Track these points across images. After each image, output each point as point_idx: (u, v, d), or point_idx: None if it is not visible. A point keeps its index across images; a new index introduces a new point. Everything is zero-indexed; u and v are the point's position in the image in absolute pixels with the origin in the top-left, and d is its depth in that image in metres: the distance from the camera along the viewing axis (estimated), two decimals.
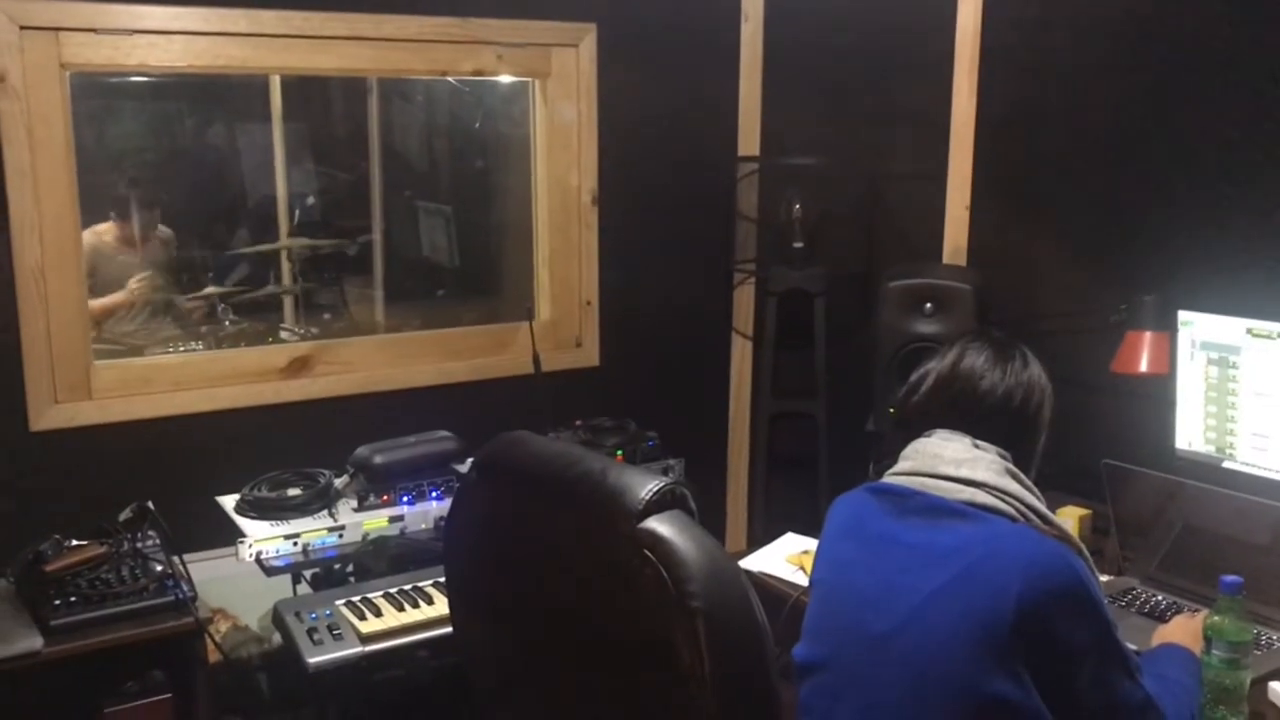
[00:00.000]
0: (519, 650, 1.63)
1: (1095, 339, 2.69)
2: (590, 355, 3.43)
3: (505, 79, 3.41)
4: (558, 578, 1.50)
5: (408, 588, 2.46)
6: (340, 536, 2.56)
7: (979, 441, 1.68)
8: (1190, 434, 2.47)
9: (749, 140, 3.55)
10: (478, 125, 4.32)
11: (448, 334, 3.34)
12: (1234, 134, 2.54)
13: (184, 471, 2.80)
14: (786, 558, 2.54)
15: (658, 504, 1.36)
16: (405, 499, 2.65)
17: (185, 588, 2.37)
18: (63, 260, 2.68)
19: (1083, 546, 1.65)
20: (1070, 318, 2.86)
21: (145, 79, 3.88)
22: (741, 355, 3.68)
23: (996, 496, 1.62)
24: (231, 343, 3.81)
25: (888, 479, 1.72)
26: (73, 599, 2.30)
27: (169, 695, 2.42)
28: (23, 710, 2.39)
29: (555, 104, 3.29)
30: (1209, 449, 2.44)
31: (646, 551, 1.33)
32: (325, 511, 2.59)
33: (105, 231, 3.97)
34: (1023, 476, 1.67)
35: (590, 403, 3.22)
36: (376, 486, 2.64)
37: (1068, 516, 2.51)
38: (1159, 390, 2.55)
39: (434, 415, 2.92)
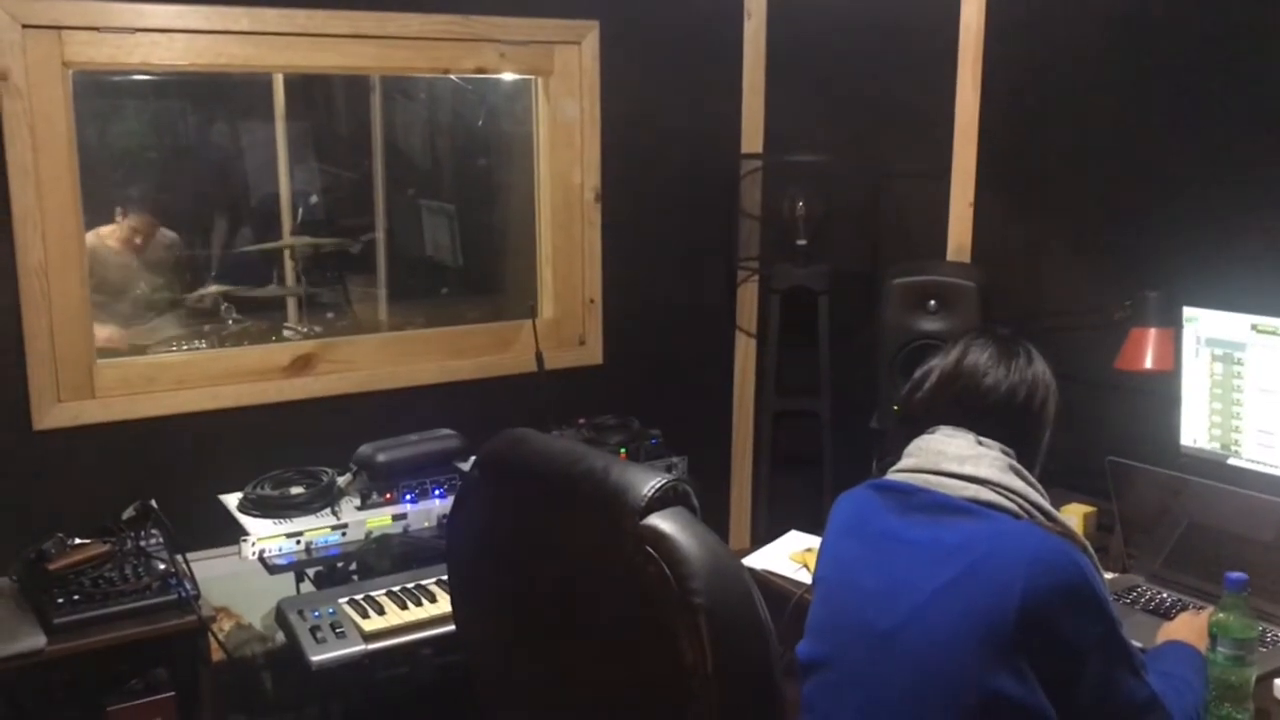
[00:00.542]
0: (522, 647, 1.62)
1: (1099, 336, 2.68)
2: (593, 353, 3.43)
3: (508, 77, 3.41)
4: (560, 575, 1.50)
5: (411, 586, 2.46)
6: (343, 535, 2.56)
7: (983, 438, 1.68)
8: (1195, 431, 2.47)
9: (752, 137, 3.55)
10: (480, 123, 4.32)
11: (451, 332, 3.33)
12: (1239, 129, 2.53)
13: (187, 470, 2.80)
14: (790, 555, 2.53)
15: (660, 501, 1.36)
16: (408, 497, 2.65)
17: (188, 586, 2.37)
18: (65, 259, 2.68)
19: (1087, 544, 1.64)
20: (1074, 314, 2.85)
21: (148, 78, 3.89)
22: (745, 353, 3.68)
23: (1000, 493, 1.61)
24: (234, 341, 3.81)
25: (891, 476, 1.71)
26: (76, 597, 2.30)
27: (172, 694, 2.42)
28: (26, 709, 2.39)
29: (558, 101, 3.29)
30: (1214, 446, 2.43)
31: (649, 549, 1.33)
32: (328, 510, 2.59)
33: (108, 235, 3.97)
34: (1026, 473, 1.67)
35: (593, 401, 3.22)
36: (379, 484, 2.64)
37: (1072, 514, 2.51)
38: (1163, 387, 2.54)
39: (437, 413, 2.92)
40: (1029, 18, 2.95)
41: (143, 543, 2.47)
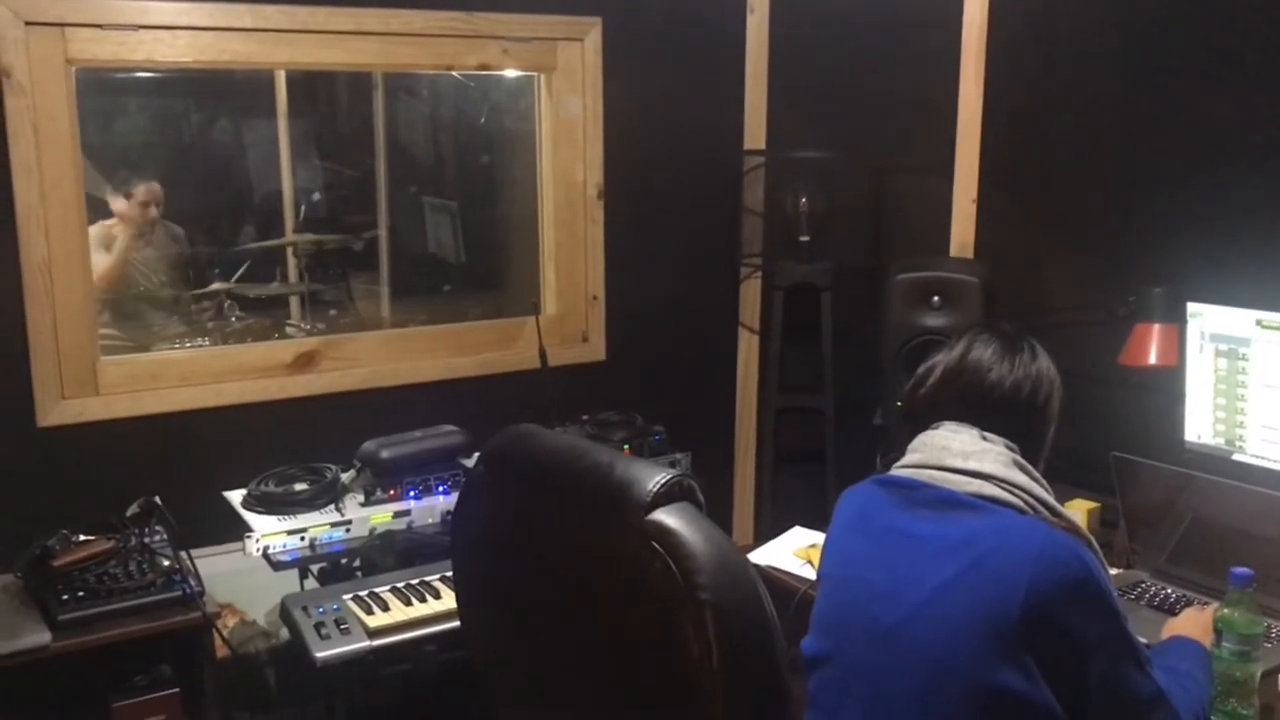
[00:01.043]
0: (527, 643, 1.62)
1: (1104, 331, 2.68)
2: (596, 350, 3.42)
3: (510, 73, 3.41)
4: (566, 570, 1.50)
5: (415, 582, 2.46)
6: (347, 531, 2.56)
7: (987, 434, 1.67)
8: (1199, 426, 2.46)
9: (755, 134, 3.55)
10: (483, 120, 4.32)
11: (454, 329, 3.34)
12: (1244, 124, 2.53)
13: (191, 467, 2.80)
14: (794, 551, 2.53)
15: (666, 496, 1.36)
16: (412, 493, 2.65)
17: (192, 583, 2.37)
18: (69, 256, 2.68)
19: (1092, 539, 1.64)
20: (1078, 310, 2.85)
21: (150, 75, 3.89)
22: (748, 349, 3.68)
23: (1004, 488, 1.61)
24: (238, 338, 3.82)
25: (895, 471, 1.71)
26: (80, 594, 2.30)
27: (176, 690, 2.42)
28: (31, 705, 2.39)
29: (560, 98, 3.29)
30: (1218, 441, 2.43)
31: (655, 543, 1.33)
32: (332, 506, 2.59)
33: (113, 225, 3.97)
34: (1031, 469, 1.67)
35: (597, 397, 3.22)
36: (383, 481, 2.64)
37: (1076, 509, 2.50)
38: (1168, 382, 2.54)
39: (440, 410, 2.92)
40: (1032, 13, 2.95)
41: (147, 539, 2.47)
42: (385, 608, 2.36)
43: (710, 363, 3.67)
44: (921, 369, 1.79)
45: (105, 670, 2.40)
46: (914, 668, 1.54)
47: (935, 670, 1.52)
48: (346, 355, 3.10)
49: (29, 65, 2.58)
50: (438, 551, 2.56)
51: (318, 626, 2.28)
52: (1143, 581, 2.30)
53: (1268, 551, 2.13)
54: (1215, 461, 2.40)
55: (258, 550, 2.46)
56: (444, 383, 3.17)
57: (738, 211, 3.55)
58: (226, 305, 4.02)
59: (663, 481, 1.36)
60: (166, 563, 2.42)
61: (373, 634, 2.29)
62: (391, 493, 2.64)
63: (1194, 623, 1.91)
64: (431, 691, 2.53)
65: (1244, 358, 2.36)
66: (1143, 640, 1.63)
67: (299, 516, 2.54)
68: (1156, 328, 2.53)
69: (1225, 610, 1.75)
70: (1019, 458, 1.66)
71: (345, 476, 2.70)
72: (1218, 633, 1.75)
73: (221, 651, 2.49)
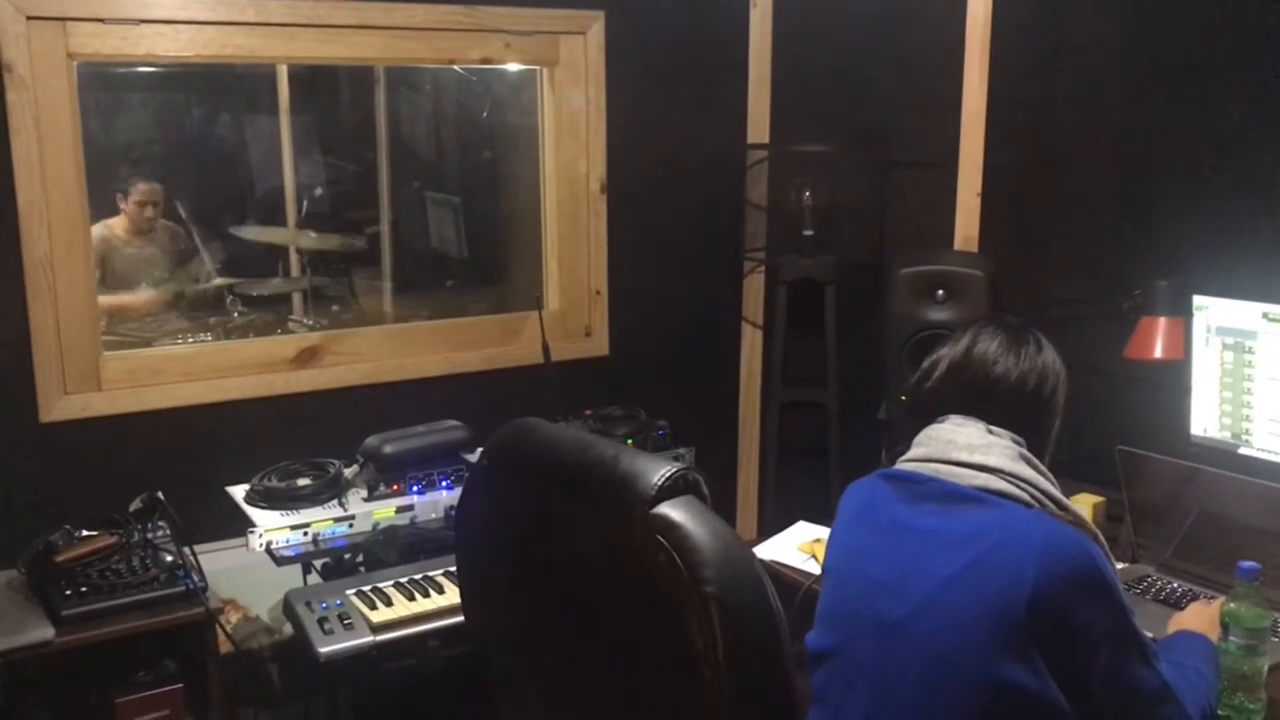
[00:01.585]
0: (531, 637, 1.62)
1: (1109, 325, 2.67)
2: (600, 345, 3.42)
3: (513, 67, 3.40)
4: (570, 564, 1.49)
5: (418, 577, 2.46)
6: (350, 526, 2.55)
7: (993, 427, 1.67)
8: (1205, 420, 2.46)
9: (758, 128, 3.53)
10: (485, 114, 4.31)
11: (456, 324, 3.33)
12: (1250, 118, 2.52)
13: (194, 462, 2.80)
14: (798, 546, 2.53)
15: (671, 489, 1.35)
16: (415, 488, 2.65)
17: (195, 578, 2.37)
18: (71, 251, 2.68)
19: (1098, 532, 1.63)
20: (1083, 304, 2.84)
21: (152, 69, 3.89)
22: (751, 344, 3.67)
23: (1011, 482, 1.61)
24: (240, 333, 3.82)
25: (901, 465, 1.71)
26: (83, 589, 2.30)
27: (180, 685, 2.42)
28: (34, 700, 2.39)
29: (563, 92, 3.28)
30: (1224, 435, 2.42)
31: (660, 537, 1.32)
32: (335, 501, 2.59)
33: (115, 224, 3.97)
34: (1037, 462, 1.66)
35: (600, 392, 3.21)
36: (386, 476, 2.64)
37: (1082, 503, 2.49)
38: (1174, 376, 2.53)
39: (443, 405, 2.92)
40: (1036, 5, 2.94)
41: (150, 535, 2.46)
42: (388, 603, 2.36)
43: (714, 357, 3.66)
44: (926, 363, 1.79)
45: (108, 666, 2.39)
46: (919, 662, 1.53)
47: (941, 664, 1.51)
48: (349, 350, 3.09)
49: (30, 60, 2.57)
50: (441, 546, 2.55)
51: (321, 622, 2.27)
52: (1149, 576, 2.30)
53: (1274, 545, 2.12)
54: (1221, 455, 2.40)
55: (261, 545, 2.46)
56: (447, 378, 3.17)
57: (741, 206, 3.54)
58: (228, 300, 4.02)
59: (668, 475, 1.36)
60: (169, 558, 2.41)
61: (376, 629, 2.28)
62: (395, 488, 2.64)
63: (1200, 617, 1.90)
64: (435, 686, 2.53)
65: (1250, 351, 2.35)
66: (1149, 635, 1.63)
67: (302, 511, 2.54)
68: (1162, 321, 2.52)
69: (1232, 604, 1.74)
70: (1025, 451, 1.65)
71: (348, 471, 2.69)
72: (1224, 627, 1.75)
73: (225, 647, 2.49)
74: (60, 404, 2.70)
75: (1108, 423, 2.61)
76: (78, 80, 2.67)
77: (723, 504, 3.68)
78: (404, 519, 2.61)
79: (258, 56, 2.98)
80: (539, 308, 3.11)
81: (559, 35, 3.23)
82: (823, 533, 2.53)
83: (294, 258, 4.32)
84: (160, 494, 2.49)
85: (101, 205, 3.69)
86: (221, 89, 4.34)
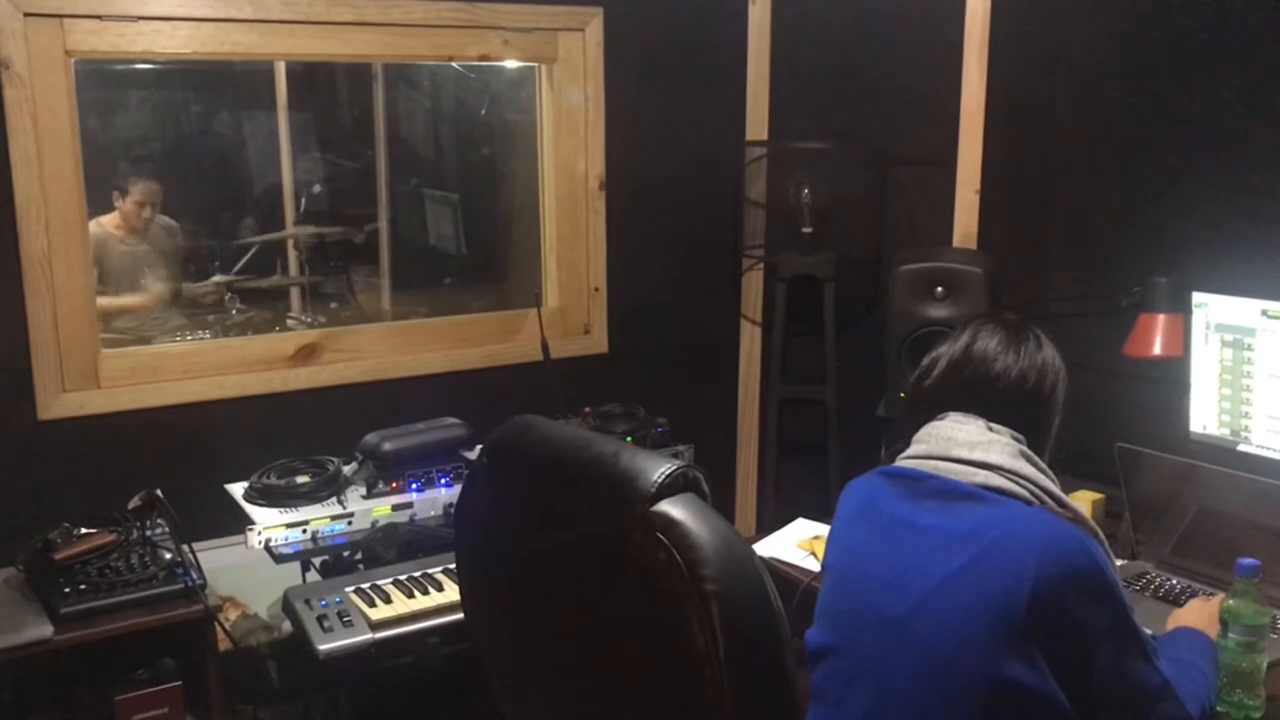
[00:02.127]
0: (531, 635, 1.62)
1: (1108, 322, 2.67)
2: (599, 342, 3.42)
3: (511, 64, 3.40)
4: (570, 562, 1.49)
5: (417, 574, 2.46)
6: (349, 524, 2.55)
7: (993, 424, 1.67)
8: (1204, 417, 2.46)
9: (757, 125, 3.53)
10: (484, 112, 4.31)
11: (455, 321, 3.33)
12: (1250, 114, 2.52)
13: (192, 459, 2.80)
14: (797, 543, 2.53)
15: (671, 487, 1.35)
16: (414, 486, 2.64)
17: (194, 575, 2.37)
18: (69, 248, 2.67)
19: (1098, 530, 1.63)
20: (1083, 300, 2.84)
21: (150, 66, 3.89)
22: (750, 341, 3.67)
23: (1011, 479, 1.61)
24: (239, 331, 3.82)
25: (901, 463, 1.71)
26: (82, 587, 2.29)
27: (179, 683, 2.41)
28: (33, 698, 2.39)
29: (562, 89, 3.27)
30: (1223, 432, 2.42)
31: (660, 535, 1.32)
32: (334, 499, 2.59)
33: (110, 222, 3.96)
34: (1037, 459, 1.66)
35: (599, 389, 3.21)
36: (385, 473, 2.63)
37: (1081, 501, 2.49)
38: (1173, 373, 2.53)
39: (442, 402, 2.91)
40: (1035, 2, 2.94)
41: (149, 532, 2.46)
42: (388, 600, 2.36)
43: (713, 354, 3.66)
44: (926, 360, 1.79)
45: (107, 664, 2.39)
46: (919, 659, 1.53)
47: (941, 662, 1.51)
48: (348, 348, 3.09)
49: (28, 57, 2.57)
50: (440, 544, 2.55)
51: (320, 619, 2.27)
52: (1148, 573, 2.30)
53: (1273, 542, 2.12)
54: (1220, 452, 2.40)
55: (260, 543, 2.46)
56: (446, 375, 3.17)
57: (740, 203, 3.54)
58: (227, 298, 4.02)
59: (668, 472, 1.35)
60: (168, 556, 2.41)
61: (375, 626, 2.28)
62: (394, 485, 2.63)
63: (1199, 614, 1.90)
64: (434, 684, 2.52)
65: (1249, 348, 2.35)
66: (1148, 631, 1.63)
67: (301, 509, 2.53)
68: (1161, 318, 2.52)
69: (1231, 601, 1.74)
70: (1025, 449, 1.65)
71: (347, 469, 2.69)
72: (1223, 624, 1.75)
73: (224, 644, 2.49)
74: (58, 401, 2.69)
75: (1107, 420, 2.61)
76: (75, 77, 2.66)
77: (722, 501, 3.66)
78: (403, 516, 2.61)
79: (256, 54, 2.98)
80: (538, 305, 3.11)
81: (557, 32, 3.22)
82: (822, 530, 2.53)
83: (292, 255, 4.32)
84: (159, 491, 2.48)
85: (99, 203, 3.68)
86: (219, 86, 4.33)
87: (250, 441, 2.81)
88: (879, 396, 3.00)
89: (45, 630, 2.21)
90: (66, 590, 2.28)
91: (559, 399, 2.97)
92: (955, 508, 1.59)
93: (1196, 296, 2.44)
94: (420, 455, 2.67)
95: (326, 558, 2.55)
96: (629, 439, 2.95)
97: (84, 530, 2.43)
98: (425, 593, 2.39)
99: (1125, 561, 2.33)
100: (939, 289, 2.80)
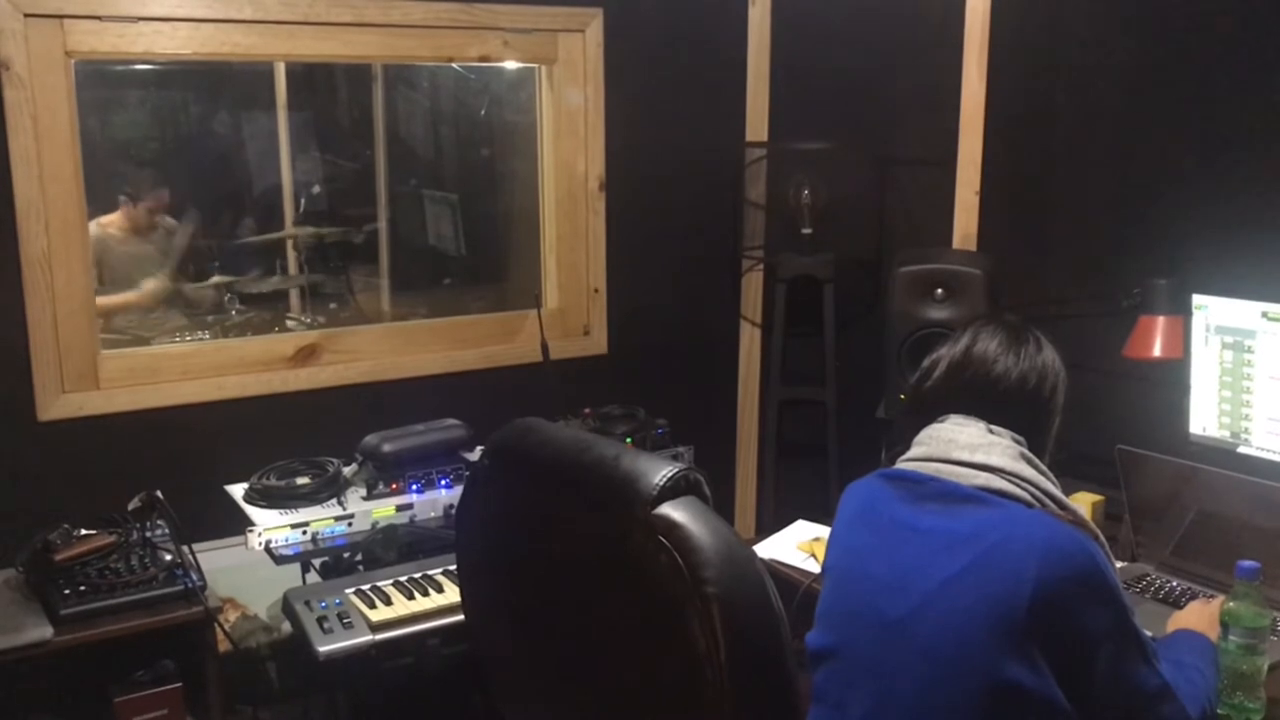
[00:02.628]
0: (532, 637, 1.62)
1: (1108, 324, 2.67)
2: (598, 343, 3.41)
3: (511, 65, 3.40)
4: (571, 564, 1.49)
5: (418, 576, 2.46)
6: (349, 525, 2.55)
7: (993, 426, 1.67)
8: (1205, 419, 2.46)
9: (757, 125, 3.53)
10: (483, 112, 4.31)
11: (455, 322, 3.32)
12: (1251, 115, 2.52)
13: (192, 460, 2.79)
14: (797, 545, 2.53)
15: (672, 490, 1.35)
16: (414, 487, 2.64)
17: (194, 577, 2.37)
18: (69, 249, 2.67)
19: (1099, 532, 1.63)
20: (1083, 302, 2.84)
21: (150, 67, 3.88)
22: (750, 342, 3.67)
23: (1011, 481, 1.61)
24: (238, 332, 3.81)
25: (901, 465, 1.71)
26: (82, 588, 2.29)
27: (179, 684, 2.41)
28: (33, 699, 2.39)
29: (562, 90, 3.27)
30: (1223, 434, 2.42)
31: (661, 537, 1.32)
32: (334, 500, 2.58)
33: (110, 223, 3.96)
34: (1038, 461, 1.66)
35: (599, 390, 3.21)
36: (385, 475, 2.63)
37: (1081, 503, 2.49)
38: (1173, 375, 2.53)
39: (442, 404, 2.91)
40: (1035, 3, 2.94)
41: (149, 534, 2.46)
42: (388, 601, 2.36)
43: (712, 355, 3.66)
44: (926, 362, 1.79)
45: (107, 665, 2.39)
46: (920, 661, 1.53)
47: (942, 664, 1.51)
48: (347, 349, 3.09)
49: (28, 57, 2.56)
50: (440, 545, 2.55)
51: (320, 620, 2.27)
52: (1148, 575, 2.30)
53: (1273, 544, 2.12)
54: (1220, 454, 2.40)
55: (260, 544, 2.46)
56: (445, 376, 3.16)
57: (739, 204, 3.54)
58: (226, 299, 4.02)
59: (669, 475, 1.35)
60: (168, 557, 2.41)
61: (375, 628, 2.28)
62: (394, 486, 2.63)
63: (1199, 616, 1.90)
64: (434, 685, 2.52)
65: (1249, 350, 2.36)
66: (1148, 634, 1.63)
67: (301, 510, 2.53)
68: (1161, 320, 2.52)
69: (1231, 603, 1.74)
70: (1026, 451, 1.65)
71: (347, 470, 2.69)
72: (1224, 626, 1.75)
73: (224, 646, 2.49)
74: (58, 403, 2.69)
75: (1107, 422, 2.62)
76: (75, 78, 2.66)
77: (721, 502, 3.65)
78: (403, 518, 2.61)
79: (256, 54, 2.98)
80: (538, 306, 3.11)
81: (557, 33, 3.22)
82: (822, 531, 2.53)
83: (291, 256, 4.31)
84: (159, 493, 2.48)
85: (99, 203, 3.68)
86: (219, 87, 4.33)
87: (250, 443, 2.81)
88: (878, 398, 3.00)
89: (45, 631, 2.21)
90: (66, 591, 2.28)
91: (558, 400, 2.97)
92: (956, 510, 1.59)
93: (1197, 298, 2.44)
94: (420, 456, 2.66)
95: (326, 559, 2.55)
96: (628, 440, 2.95)
97: (84, 531, 2.43)
98: (425, 594, 2.39)
99: (1125, 563, 2.33)
100: (939, 290, 2.80)
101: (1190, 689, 1.64)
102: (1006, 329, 1.74)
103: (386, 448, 2.64)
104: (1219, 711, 1.72)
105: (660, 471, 1.36)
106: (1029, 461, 1.64)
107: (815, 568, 2.36)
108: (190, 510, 2.52)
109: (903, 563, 1.59)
